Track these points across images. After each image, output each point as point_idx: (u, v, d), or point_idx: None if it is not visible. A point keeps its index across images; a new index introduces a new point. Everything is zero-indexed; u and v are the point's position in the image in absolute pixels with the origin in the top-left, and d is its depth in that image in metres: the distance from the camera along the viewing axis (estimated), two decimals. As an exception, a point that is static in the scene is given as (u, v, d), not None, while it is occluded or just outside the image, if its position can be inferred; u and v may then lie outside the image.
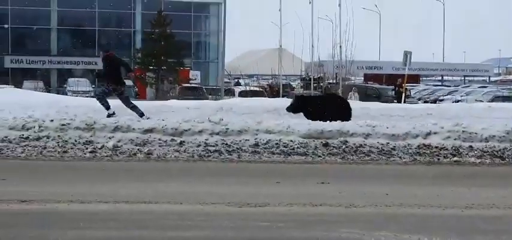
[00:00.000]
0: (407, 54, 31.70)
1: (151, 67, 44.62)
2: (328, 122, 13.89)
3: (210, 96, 38.25)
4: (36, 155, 12.33)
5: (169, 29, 45.05)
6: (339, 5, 37.48)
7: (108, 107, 15.99)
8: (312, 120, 14.55)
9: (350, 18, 56.61)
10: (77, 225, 7.29)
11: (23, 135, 13.14)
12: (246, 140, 13.17)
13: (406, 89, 34.56)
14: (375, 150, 12.98)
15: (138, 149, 12.70)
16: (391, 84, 42.16)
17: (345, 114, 15.42)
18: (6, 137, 13.04)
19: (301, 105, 16.05)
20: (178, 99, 29.93)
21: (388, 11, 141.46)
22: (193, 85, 44.51)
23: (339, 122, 14.01)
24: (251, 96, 33.62)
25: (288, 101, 18.69)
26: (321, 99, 18.35)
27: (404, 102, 32.19)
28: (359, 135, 13.44)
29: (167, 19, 45.37)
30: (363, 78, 61.48)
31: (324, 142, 13.15)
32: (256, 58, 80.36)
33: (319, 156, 12.71)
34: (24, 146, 12.73)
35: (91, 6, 54.80)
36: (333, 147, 13.05)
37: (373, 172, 11.50)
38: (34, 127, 13.41)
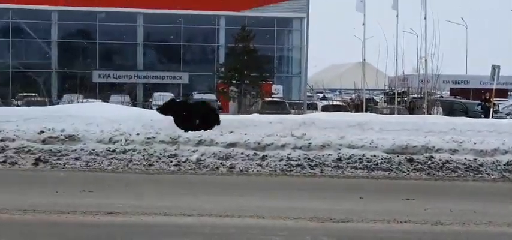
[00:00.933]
0: (495, 68, 30.85)
1: (234, 81, 44.97)
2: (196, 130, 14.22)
3: (292, 110, 38.15)
4: (123, 168, 12.59)
5: (252, 44, 45.31)
6: (425, 18, 36.68)
7: None
8: (180, 124, 14.88)
9: (436, 32, 55.21)
10: (162, 237, 7.37)
11: (109, 148, 13.45)
12: (328, 154, 13.09)
13: (494, 103, 33.61)
14: (462, 167, 12.67)
15: (221, 163, 12.80)
16: (477, 98, 41.04)
17: (210, 120, 15.26)
18: (93, 150, 13.38)
19: (170, 108, 16.04)
20: (260, 113, 29.96)
21: (475, 24, 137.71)
22: (275, 99, 44.50)
23: (408, 137, 13.85)
24: (333, 111, 33.34)
25: (372, 116, 18.50)
26: (188, 106, 18.21)
27: (492, 117, 31.31)
28: (445, 151, 13.16)
29: (251, 34, 45.66)
30: (448, 92, 60.12)
31: (408, 157, 12.93)
32: (340, 72, 79.91)
33: (404, 172, 12.49)
34: (111, 159, 13.02)
35: (176, 22, 55.68)
36: (418, 162, 12.81)
37: (460, 189, 11.22)
38: (121, 140, 13.70)
